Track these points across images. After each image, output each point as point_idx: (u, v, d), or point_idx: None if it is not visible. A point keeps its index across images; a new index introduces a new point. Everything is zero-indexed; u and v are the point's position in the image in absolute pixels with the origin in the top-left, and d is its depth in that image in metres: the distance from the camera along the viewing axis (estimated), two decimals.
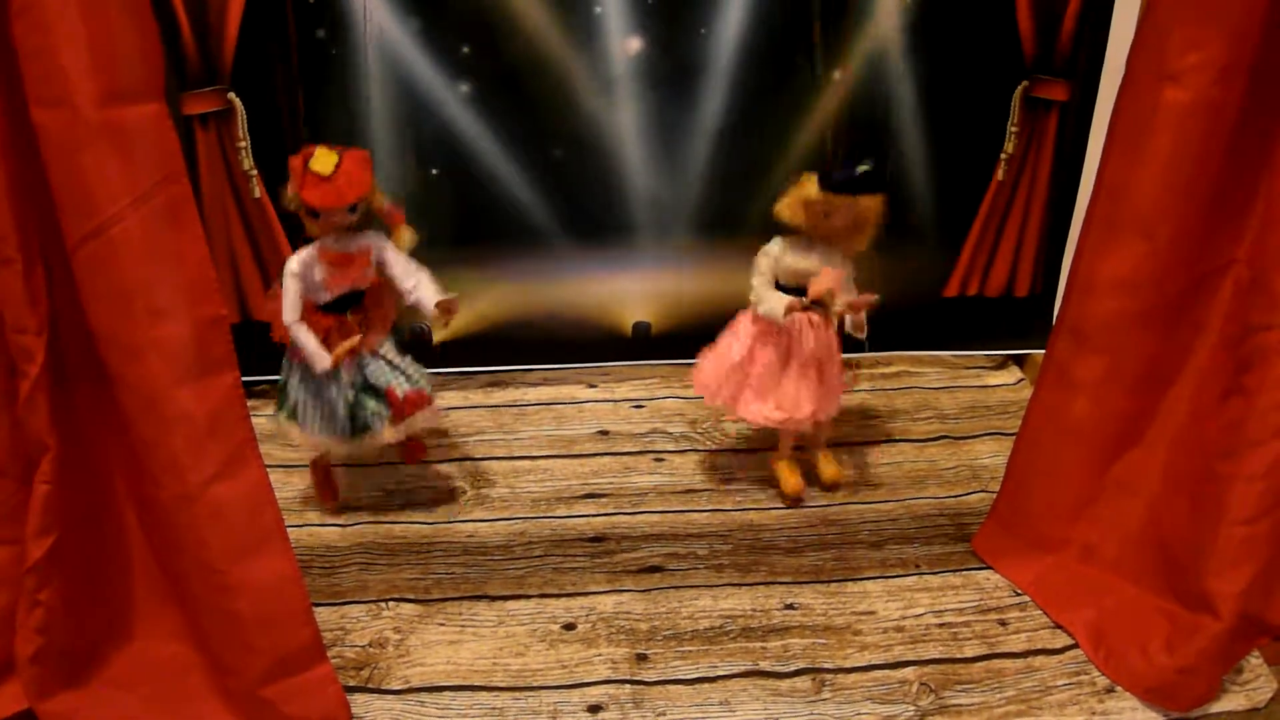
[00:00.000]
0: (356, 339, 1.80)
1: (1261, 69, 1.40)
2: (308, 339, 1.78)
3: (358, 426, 1.85)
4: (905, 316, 2.48)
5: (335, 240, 1.77)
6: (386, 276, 1.84)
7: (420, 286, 1.81)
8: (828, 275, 1.81)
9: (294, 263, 1.77)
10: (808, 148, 2.29)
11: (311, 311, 1.81)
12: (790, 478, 2.03)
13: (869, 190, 1.78)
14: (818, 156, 2.29)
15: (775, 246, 1.88)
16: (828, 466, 2.09)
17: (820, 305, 1.84)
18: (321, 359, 1.77)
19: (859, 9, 2.18)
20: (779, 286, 1.89)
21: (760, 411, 1.94)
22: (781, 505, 2.04)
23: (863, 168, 1.76)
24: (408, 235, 1.83)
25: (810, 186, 1.80)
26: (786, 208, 1.83)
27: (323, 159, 1.67)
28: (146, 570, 1.58)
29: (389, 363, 1.86)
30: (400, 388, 1.85)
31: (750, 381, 1.94)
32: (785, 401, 1.92)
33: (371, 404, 1.85)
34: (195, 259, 1.30)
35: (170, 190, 1.26)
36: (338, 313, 1.82)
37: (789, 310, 1.85)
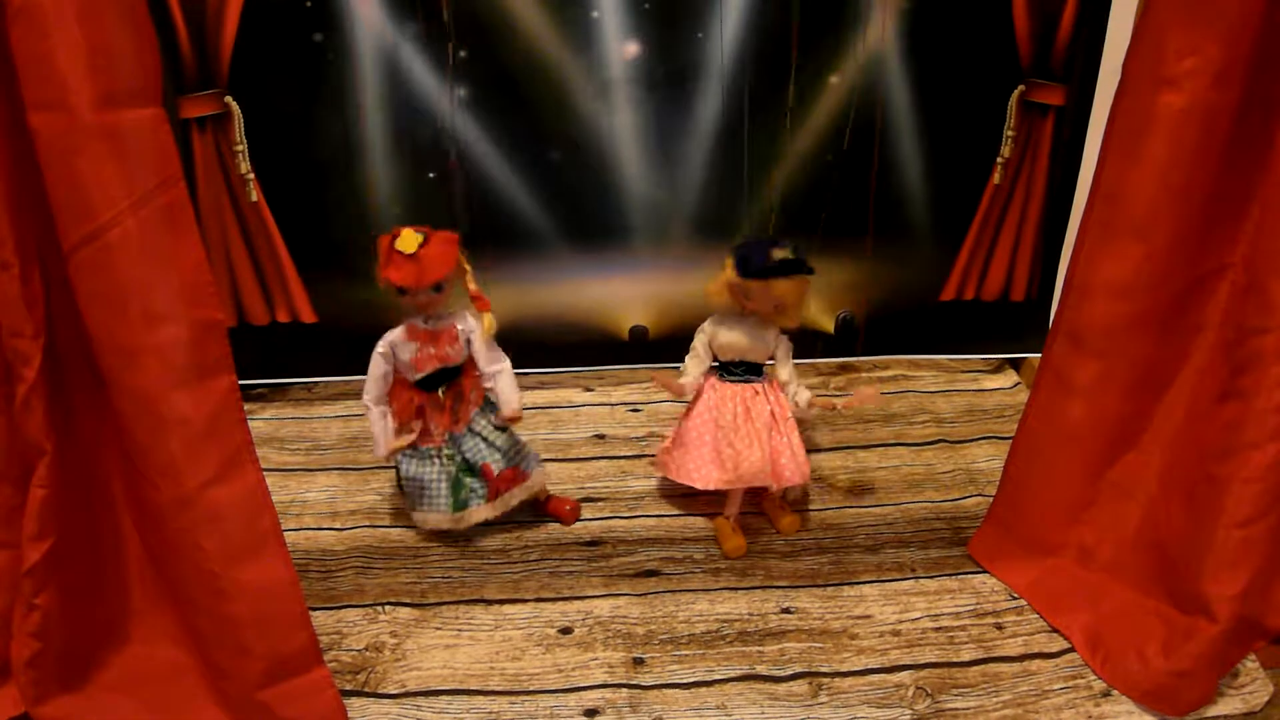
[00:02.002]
0: (413, 435, 1.85)
1: (1257, 73, 1.40)
2: (376, 423, 1.84)
3: (459, 503, 1.88)
4: (902, 320, 2.49)
5: (424, 319, 1.81)
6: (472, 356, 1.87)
7: (500, 380, 1.87)
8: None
9: (382, 343, 1.82)
10: (806, 150, 2.29)
11: (405, 388, 1.85)
12: (731, 537, 1.95)
13: (783, 274, 1.78)
14: (817, 157, 2.29)
15: (709, 324, 1.92)
16: (785, 517, 2.02)
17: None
18: (380, 445, 1.84)
19: (855, 13, 2.18)
20: (722, 364, 1.93)
21: (709, 476, 1.91)
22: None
23: (779, 253, 1.77)
24: (489, 321, 1.85)
25: (730, 271, 1.82)
26: (714, 290, 1.86)
27: (408, 239, 1.71)
28: (143, 574, 1.58)
29: (485, 439, 1.88)
30: (496, 465, 1.88)
31: (701, 449, 1.92)
32: (736, 460, 1.89)
33: (470, 481, 1.88)
34: (192, 262, 1.30)
35: (167, 194, 1.26)
36: (429, 390, 1.85)
37: (681, 391, 1.93)
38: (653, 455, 2.21)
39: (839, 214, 2.35)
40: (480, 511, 1.89)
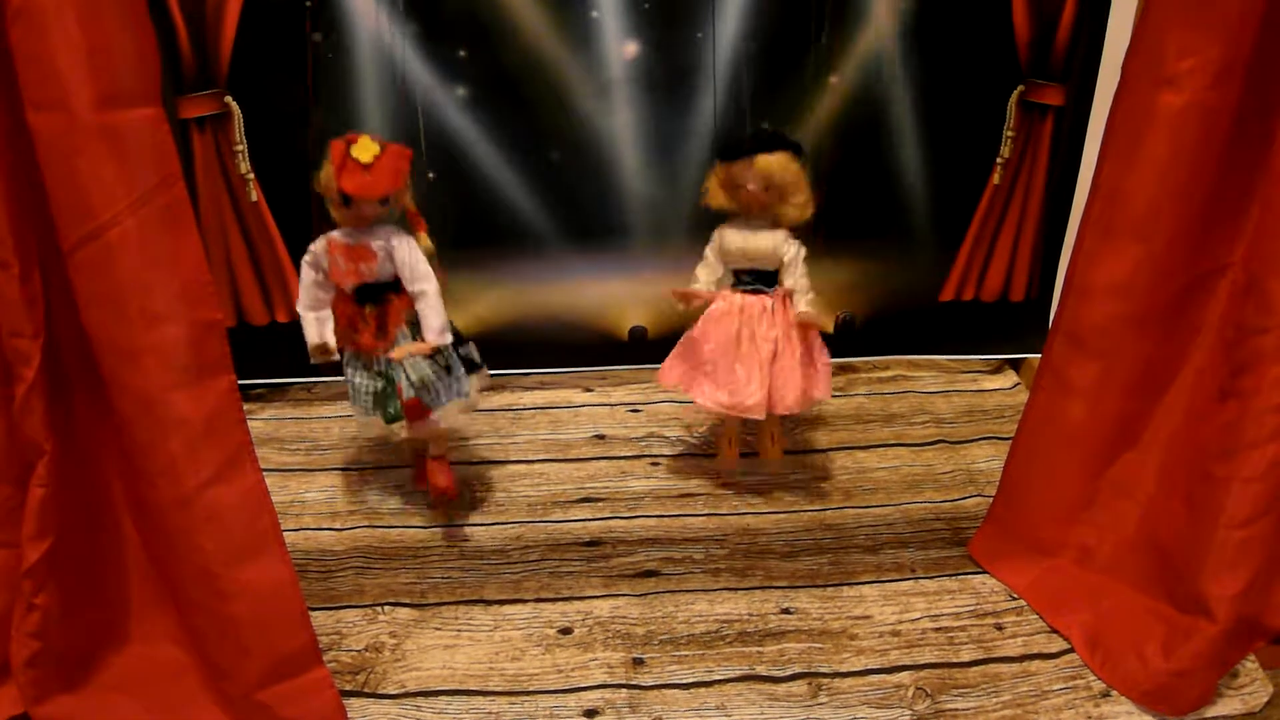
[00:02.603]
0: (329, 355, 1.85)
1: (1257, 73, 1.41)
2: (306, 327, 1.84)
3: (389, 415, 1.85)
4: (901, 320, 2.49)
5: (346, 233, 1.78)
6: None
7: (422, 302, 1.81)
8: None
9: (309, 251, 1.80)
10: (805, 150, 2.29)
11: (342, 299, 1.83)
12: (727, 450, 2.00)
13: (762, 149, 1.78)
14: (817, 157, 2.29)
15: (721, 229, 1.90)
16: (772, 447, 2.07)
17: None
18: (311, 349, 1.85)
19: (856, 13, 2.18)
20: (734, 273, 1.92)
21: (711, 396, 1.92)
22: (778, 509, 2.04)
23: (757, 130, 1.76)
24: (425, 242, 1.83)
25: (718, 166, 1.83)
26: (710, 195, 1.87)
27: (365, 147, 1.68)
28: (142, 574, 1.58)
29: (404, 361, 1.82)
30: (406, 391, 1.83)
31: (704, 366, 1.93)
32: (737, 387, 1.90)
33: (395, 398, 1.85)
34: (191, 262, 1.30)
35: (167, 194, 1.26)
36: (359, 304, 1.83)
37: (693, 298, 1.92)
38: (653, 456, 2.22)
39: (839, 214, 2.34)
40: (404, 429, 1.86)
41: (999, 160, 2.34)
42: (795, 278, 1.89)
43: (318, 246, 1.80)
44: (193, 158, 2.17)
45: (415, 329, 1.84)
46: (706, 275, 1.93)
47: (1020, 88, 2.28)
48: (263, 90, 2.16)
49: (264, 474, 1.43)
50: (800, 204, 1.85)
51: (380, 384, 1.85)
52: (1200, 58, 1.39)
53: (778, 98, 2.24)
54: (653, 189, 2.31)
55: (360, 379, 1.87)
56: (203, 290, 1.32)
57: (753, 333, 1.89)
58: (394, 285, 1.82)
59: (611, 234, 2.35)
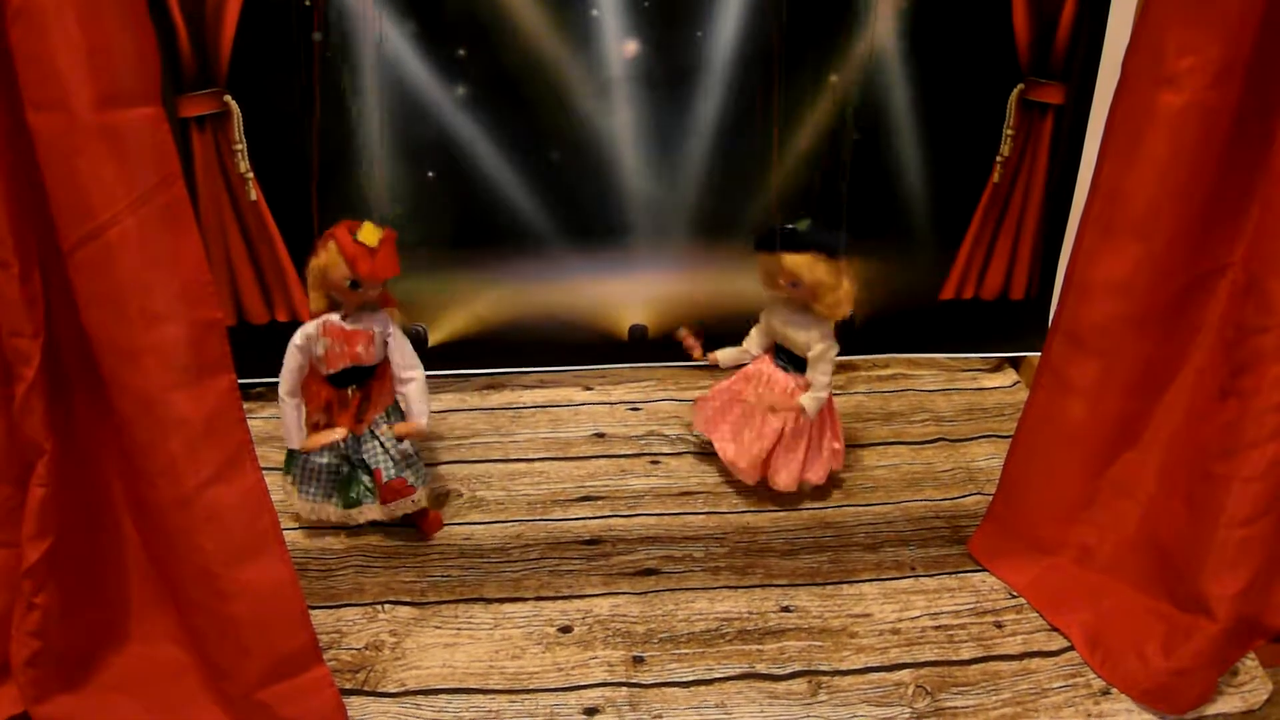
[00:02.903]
0: (339, 434, 1.85)
1: (1257, 72, 1.41)
2: (288, 416, 1.85)
3: (349, 500, 1.89)
4: (901, 319, 2.49)
5: (343, 317, 1.81)
6: (389, 358, 1.87)
7: (409, 388, 1.86)
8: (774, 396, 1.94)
9: (298, 335, 1.81)
10: (805, 149, 2.29)
11: (317, 381, 1.85)
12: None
13: (789, 248, 1.79)
14: (817, 156, 2.30)
15: (770, 307, 1.94)
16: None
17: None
18: (291, 438, 1.85)
19: (855, 12, 2.18)
20: (778, 348, 1.96)
21: (727, 447, 2.01)
22: (777, 508, 2.04)
23: (795, 225, 1.79)
24: (398, 318, 1.87)
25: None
26: (761, 280, 1.91)
27: (370, 232, 1.72)
28: (142, 573, 1.58)
29: (382, 444, 1.87)
30: (387, 473, 1.86)
31: (729, 416, 1.99)
32: (740, 448, 1.98)
33: (366, 480, 1.88)
34: (191, 262, 1.30)
35: (167, 193, 1.26)
36: (340, 386, 1.85)
37: (714, 361, 1.99)
38: (653, 454, 2.22)
39: (838, 213, 2.34)
40: (370, 511, 1.90)
41: (999, 159, 2.34)
42: (814, 374, 1.91)
43: (311, 330, 1.81)
44: (192, 157, 2.17)
45: (388, 415, 1.89)
46: (750, 344, 2.00)
47: (1020, 86, 2.28)
48: (262, 89, 2.16)
49: (264, 473, 1.43)
50: (831, 304, 1.84)
51: (345, 467, 1.88)
52: (1200, 57, 1.39)
53: (778, 96, 2.24)
54: (653, 188, 2.31)
55: (321, 459, 1.87)
56: (203, 289, 1.32)
57: (758, 394, 1.96)
58: (372, 370, 1.86)
59: (611, 233, 2.35)
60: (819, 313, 1.86)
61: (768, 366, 1.97)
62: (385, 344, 1.84)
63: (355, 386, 1.85)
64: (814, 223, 1.80)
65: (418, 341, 2.36)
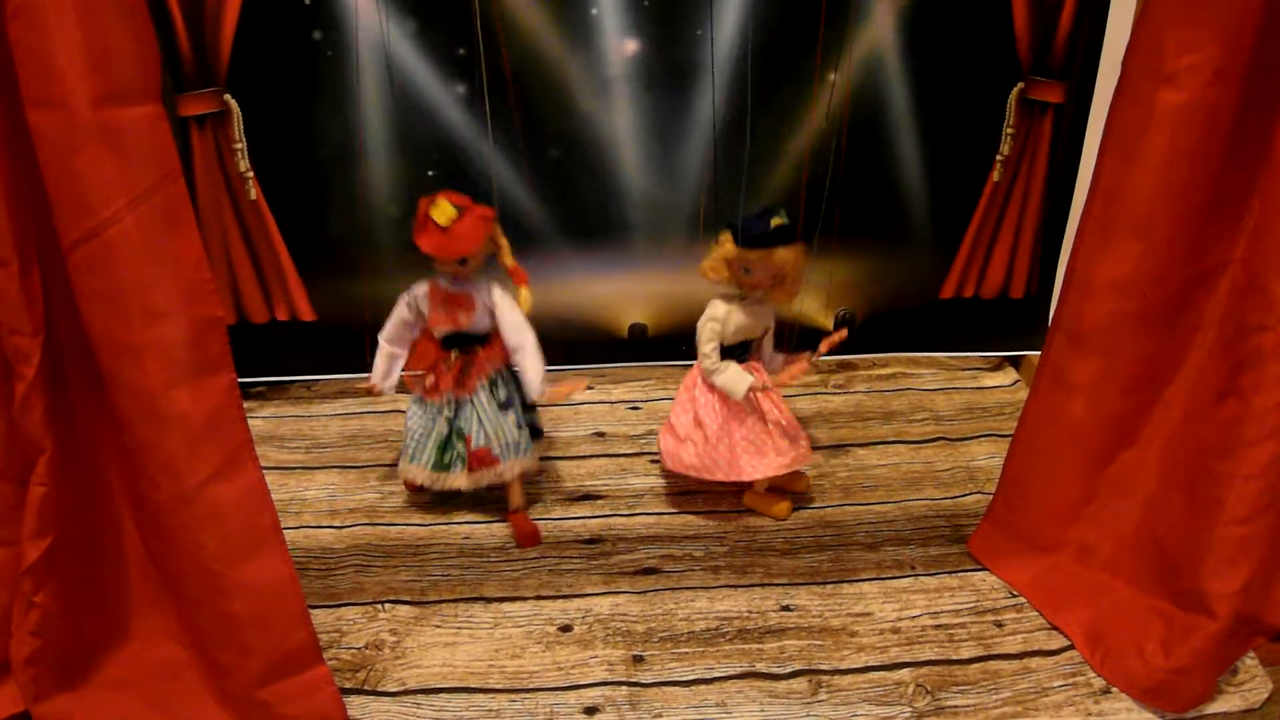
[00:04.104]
0: (389, 386, 1.92)
1: (1256, 70, 1.40)
2: (378, 358, 1.90)
3: (440, 463, 1.91)
4: (901, 318, 2.49)
5: (449, 281, 1.84)
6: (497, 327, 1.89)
7: (520, 356, 1.87)
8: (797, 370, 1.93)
9: (407, 293, 1.87)
10: (805, 148, 2.29)
11: (429, 339, 1.89)
12: (777, 504, 2.01)
13: (783, 242, 1.81)
14: (817, 155, 2.29)
15: (720, 309, 1.89)
16: (799, 481, 2.10)
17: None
18: (375, 380, 1.91)
19: (856, 10, 2.18)
20: (724, 347, 1.91)
21: (769, 465, 1.94)
22: None
23: (776, 220, 1.79)
24: (525, 296, 1.88)
25: (729, 244, 1.84)
26: (710, 268, 1.88)
27: (443, 210, 1.73)
28: (143, 572, 1.58)
29: (480, 413, 1.89)
30: (477, 440, 1.89)
31: (740, 446, 1.94)
32: (783, 445, 1.95)
33: (460, 446, 1.91)
34: (191, 260, 1.30)
35: (166, 191, 1.26)
36: (447, 349, 1.88)
37: (750, 390, 1.89)
38: (653, 453, 2.22)
39: (838, 212, 2.34)
40: (457, 479, 1.92)
41: (999, 157, 2.34)
42: (770, 348, 1.98)
43: (419, 289, 1.86)
44: (192, 156, 2.17)
45: (493, 385, 1.90)
46: (726, 361, 1.92)
47: (1020, 85, 2.28)
48: (262, 88, 2.16)
49: (264, 472, 1.43)
50: (793, 292, 1.90)
51: (443, 430, 1.90)
52: (1200, 55, 1.39)
53: (777, 94, 2.24)
54: (652, 186, 2.31)
55: (417, 422, 1.92)
56: (203, 287, 1.32)
57: (765, 412, 1.95)
58: (483, 338, 1.88)
59: (611, 231, 2.35)
60: (777, 299, 1.90)
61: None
62: (490, 314, 1.86)
63: (458, 351, 1.88)
64: (783, 211, 1.81)
65: None
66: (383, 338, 1.90)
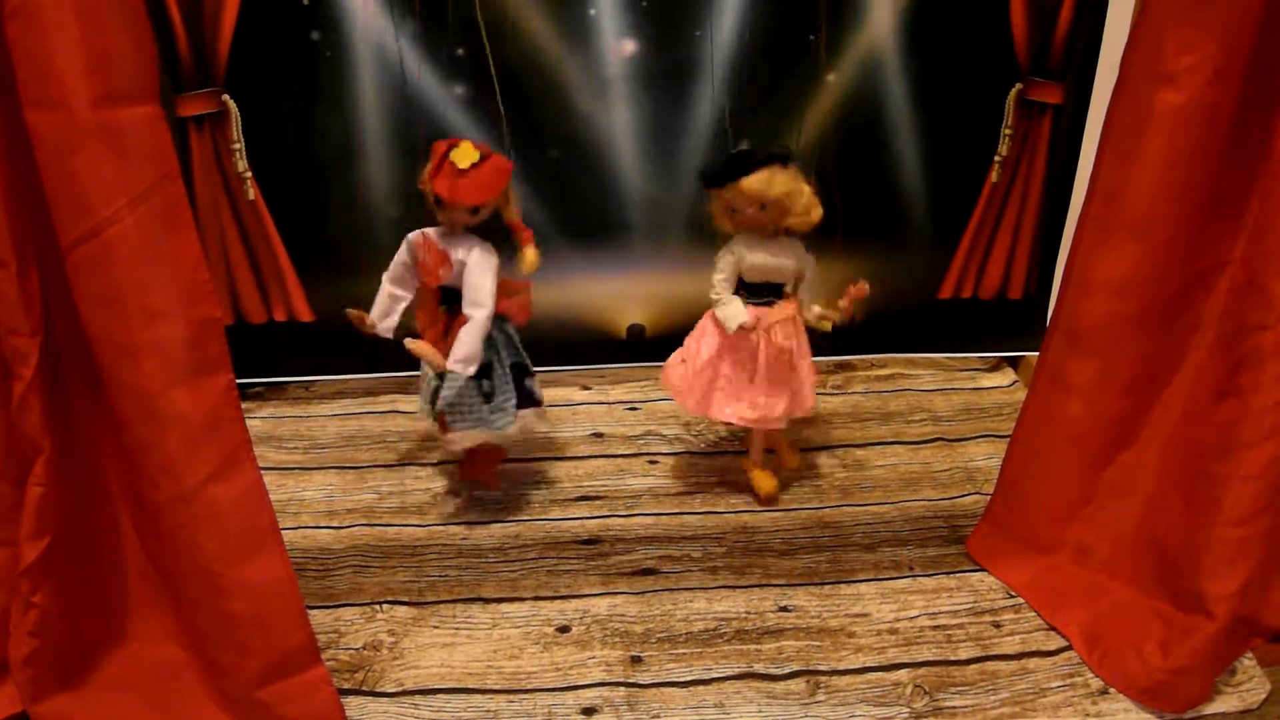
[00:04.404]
0: (369, 328, 1.87)
1: (1256, 70, 1.41)
2: (380, 296, 1.87)
3: (436, 412, 1.88)
4: (899, 318, 2.49)
5: (441, 235, 1.80)
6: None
7: (469, 325, 1.79)
8: (781, 310, 1.87)
9: (407, 238, 1.83)
10: (802, 149, 2.29)
11: (429, 291, 1.85)
12: (766, 482, 2.03)
13: (742, 172, 1.75)
14: (816, 155, 2.29)
15: (738, 244, 1.86)
16: (791, 457, 2.11)
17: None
18: (374, 318, 1.87)
19: (854, 11, 2.18)
20: (746, 284, 1.88)
21: (736, 412, 1.92)
22: (776, 508, 2.04)
23: (735, 152, 1.77)
24: (530, 255, 1.84)
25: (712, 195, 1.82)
26: (715, 220, 1.86)
27: (464, 152, 1.69)
28: (141, 572, 1.58)
29: (451, 374, 1.83)
30: (440, 404, 1.85)
31: (719, 383, 1.93)
32: (759, 400, 1.91)
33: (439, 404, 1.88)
34: (190, 260, 1.30)
35: (165, 192, 1.26)
36: (441, 303, 1.85)
37: (741, 327, 1.83)
38: (651, 454, 2.22)
39: (837, 212, 2.34)
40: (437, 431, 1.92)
41: (997, 158, 2.34)
42: (809, 292, 1.91)
43: (414, 236, 1.82)
44: (190, 156, 2.17)
45: (492, 346, 1.86)
46: (725, 291, 1.88)
47: (1018, 85, 2.28)
48: (260, 89, 2.16)
49: (262, 472, 1.43)
50: (802, 213, 1.81)
51: (435, 384, 1.86)
52: (1199, 55, 1.39)
53: (776, 94, 2.24)
54: (651, 187, 2.31)
55: (428, 375, 1.89)
56: (201, 288, 1.32)
57: (763, 353, 1.89)
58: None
59: (609, 232, 2.35)
60: (794, 227, 1.82)
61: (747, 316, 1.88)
62: (464, 272, 1.80)
63: (445, 308, 1.85)
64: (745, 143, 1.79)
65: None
66: (386, 278, 1.87)
